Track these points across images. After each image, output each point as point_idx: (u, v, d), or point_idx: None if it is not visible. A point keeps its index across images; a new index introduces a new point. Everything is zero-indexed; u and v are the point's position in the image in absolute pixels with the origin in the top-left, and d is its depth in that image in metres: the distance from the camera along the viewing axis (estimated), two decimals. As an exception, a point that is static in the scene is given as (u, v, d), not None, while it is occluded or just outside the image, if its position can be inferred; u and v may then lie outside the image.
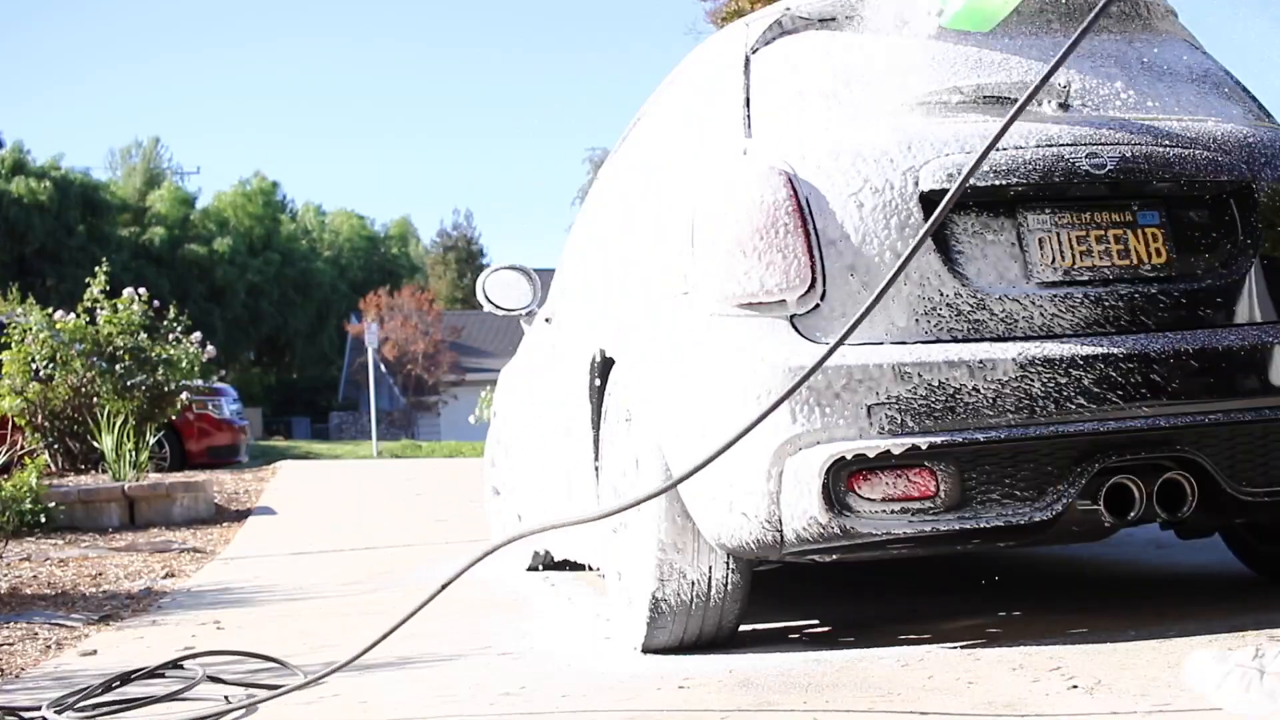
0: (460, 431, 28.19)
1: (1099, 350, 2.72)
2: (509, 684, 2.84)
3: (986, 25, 2.71)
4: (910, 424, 2.64)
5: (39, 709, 2.80)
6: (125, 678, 3.04)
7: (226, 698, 2.82)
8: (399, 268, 48.41)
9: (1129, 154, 2.87)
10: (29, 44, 76.05)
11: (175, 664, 3.17)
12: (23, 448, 8.36)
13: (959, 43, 3.11)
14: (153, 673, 3.10)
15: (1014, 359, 2.68)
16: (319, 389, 45.62)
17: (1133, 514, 2.71)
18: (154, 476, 9.08)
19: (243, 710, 2.71)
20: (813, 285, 2.75)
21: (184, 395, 11.00)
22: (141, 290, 10.96)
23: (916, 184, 2.80)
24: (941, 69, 3.05)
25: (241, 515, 8.62)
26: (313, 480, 12.05)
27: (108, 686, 2.98)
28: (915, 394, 2.65)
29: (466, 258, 52.39)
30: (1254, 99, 3.26)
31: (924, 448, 2.62)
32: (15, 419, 10.00)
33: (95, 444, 9.35)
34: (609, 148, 7.58)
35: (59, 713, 2.75)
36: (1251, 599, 3.21)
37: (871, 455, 2.61)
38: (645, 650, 3.04)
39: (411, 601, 4.56)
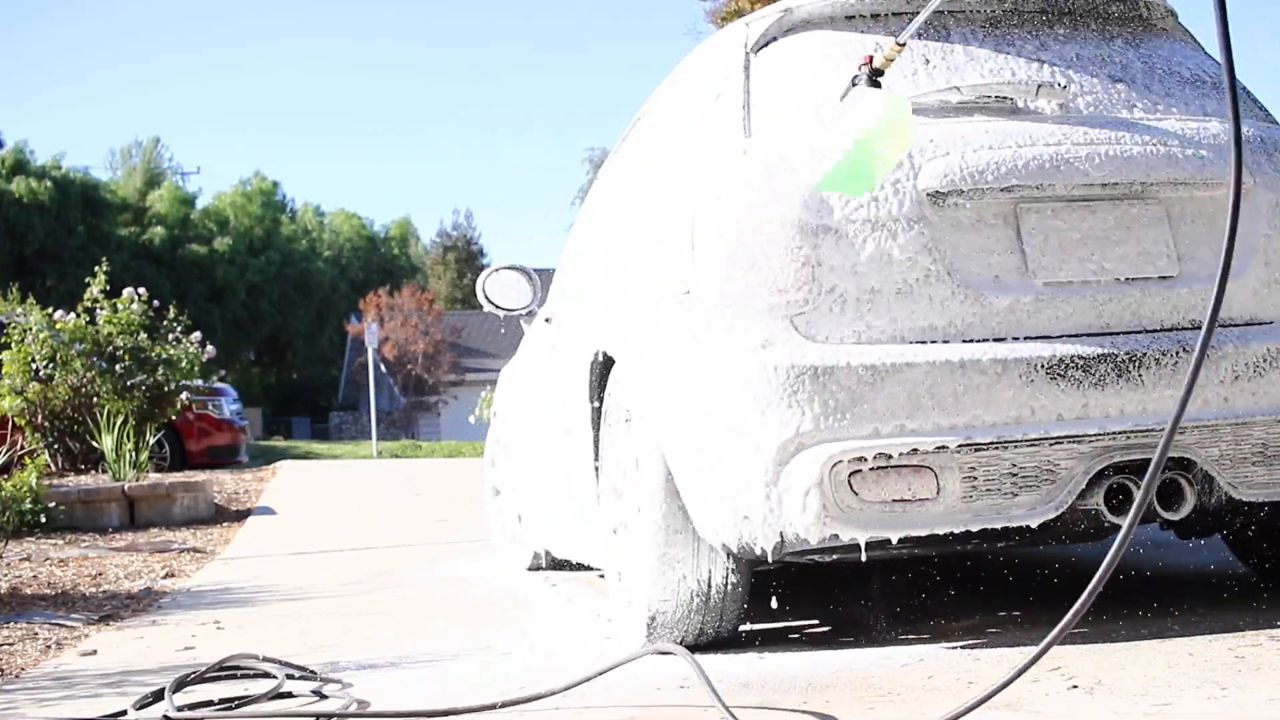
0: (460, 431, 28.17)
1: (1099, 351, 2.72)
2: (509, 684, 2.84)
3: (861, 189, 2.55)
4: (910, 424, 2.64)
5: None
6: (181, 682, 2.95)
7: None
8: (399, 268, 48.42)
9: (1129, 154, 2.87)
10: (29, 44, 76.05)
11: (222, 666, 3.09)
12: (23, 448, 8.36)
13: (958, 43, 3.11)
14: (204, 677, 3.02)
15: (1014, 359, 2.69)
16: (319, 389, 45.63)
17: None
18: (154, 476, 9.08)
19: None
20: (812, 284, 2.75)
21: (184, 395, 11.01)
22: (141, 290, 10.96)
23: (915, 183, 2.80)
24: (941, 69, 3.05)
25: (241, 515, 8.62)
26: (313, 480, 12.05)
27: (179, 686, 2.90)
28: (915, 394, 2.65)
29: (466, 258, 52.36)
30: (1254, 99, 3.26)
31: (924, 448, 2.62)
32: (15, 419, 10.00)
33: (95, 444, 9.35)
34: (609, 148, 7.58)
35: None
36: (1251, 599, 3.21)
37: (871, 456, 2.61)
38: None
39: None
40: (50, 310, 10.63)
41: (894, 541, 2.67)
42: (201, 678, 3.01)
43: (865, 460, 2.62)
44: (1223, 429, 2.73)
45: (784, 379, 2.66)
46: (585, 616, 3.87)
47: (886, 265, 2.75)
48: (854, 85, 2.57)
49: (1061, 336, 2.76)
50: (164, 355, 10.66)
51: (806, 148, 2.89)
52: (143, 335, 10.62)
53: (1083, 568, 4.06)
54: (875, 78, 2.56)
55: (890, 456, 2.62)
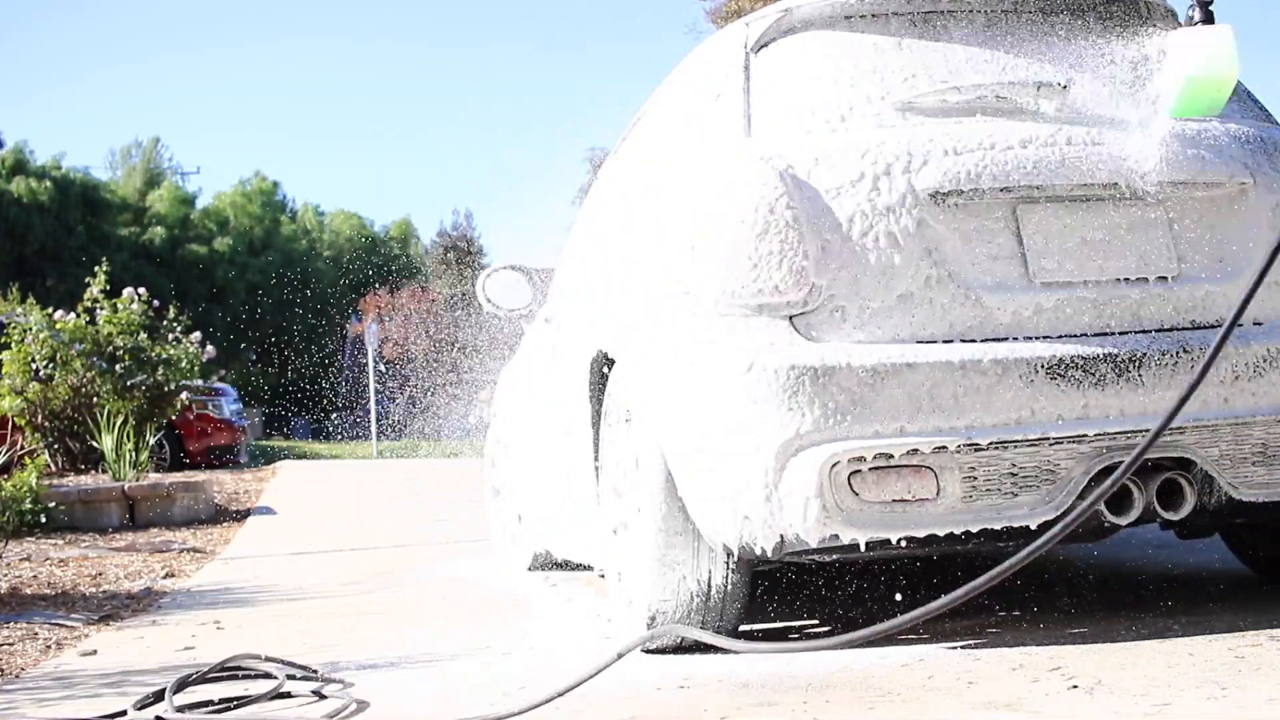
0: (460, 431, 28.17)
1: (1099, 351, 2.72)
2: (509, 684, 2.84)
3: (1215, 110, 2.92)
4: (910, 425, 2.64)
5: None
6: (183, 682, 2.94)
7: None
8: (399, 268, 48.39)
9: (1129, 154, 2.87)
10: (29, 44, 75.87)
11: (224, 666, 3.09)
12: (23, 448, 8.36)
13: (957, 44, 3.11)
14: (205, 677, 3.02)
15: (1014, 359, 2.68)
16: (319, 389, 45.61)
17: (1133, 514, 2.71)
18: (154, 476, 9.09)
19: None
20: (812, 285, 2.75)
21: (184, 395, 11.02)
22: (141, 290, 10.97)
23: (915, 184, 2.80)
24: (940, 69, 3.05)
25: (241, 515, 8.62)
26: (313, 480, 12.06)
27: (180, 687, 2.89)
28: (915, 395, 2.65)
29: (466, 258, 52.31)
30: (1254, 98, 3.26)
31: (924, 449, 2.62)
32: (15, 419, 10.01)
33: (95, 444, 9.35)
34: (609, 148, 7.58)
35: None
36: (1251, 599, 3.21)
37: (871, 456, 2.61)
38: (646, 650, 3.04)
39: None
40: (50, 310, 10.64)
41: (894, 542, 2.67)
42: (203, 678, 3.01)
43: (865, 461, 2.61)
44: (1223, 429, 2.73)
45: (784, 380, 2.66)
46: (585, 616, 3.87)
47: (886, 266, 2.75)
48: (1191, 22, 2.84)
49: (1061, 337, 2.76)
50: (164, 355, 10.67)
51: (806, 148, 2.89)
52: (143, 335, 10.63)
53: (1083, 568, 4.06)
54: (1207, 8, 2.80)
55: (890, 457, 2.62)
